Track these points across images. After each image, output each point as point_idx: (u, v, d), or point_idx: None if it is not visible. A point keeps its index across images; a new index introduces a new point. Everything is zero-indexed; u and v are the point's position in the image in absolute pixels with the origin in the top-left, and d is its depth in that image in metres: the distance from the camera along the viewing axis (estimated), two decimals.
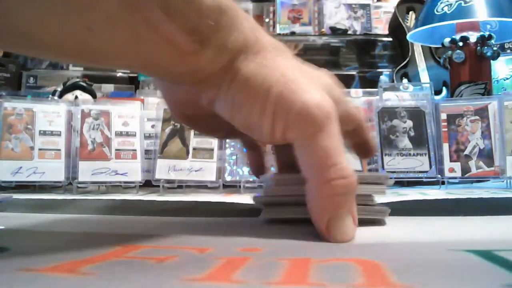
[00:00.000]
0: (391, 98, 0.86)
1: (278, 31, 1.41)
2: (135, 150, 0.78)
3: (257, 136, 0.29)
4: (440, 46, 0.99)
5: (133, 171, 0.75)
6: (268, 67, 0.27)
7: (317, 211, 0.27)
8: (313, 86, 0.28)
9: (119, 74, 1.23)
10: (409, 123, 0.76)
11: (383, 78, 1.33)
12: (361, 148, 0.36)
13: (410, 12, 1.33)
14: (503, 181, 0.71)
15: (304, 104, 0.26)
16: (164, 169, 0.77)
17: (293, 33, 1.39)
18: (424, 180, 0.72)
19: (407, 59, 1.27)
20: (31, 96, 0.86)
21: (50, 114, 0.72)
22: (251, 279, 0.18)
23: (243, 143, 0.39)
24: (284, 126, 0.27)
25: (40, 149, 0.70)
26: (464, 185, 0.74)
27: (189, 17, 0.24)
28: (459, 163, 0.72)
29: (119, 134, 0.79)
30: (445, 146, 0.73)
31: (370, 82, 1.32)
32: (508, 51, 1.16)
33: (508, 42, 1.15)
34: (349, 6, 1.44)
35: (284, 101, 0.26)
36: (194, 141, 0.78)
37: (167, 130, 0.82)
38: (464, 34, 0.90)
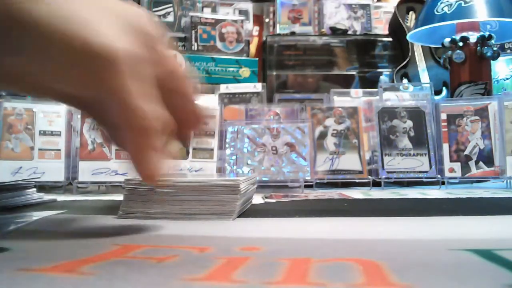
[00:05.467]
0: (391, 98, 0.86)
1: (278, 31, 1.41)
2: None
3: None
4: (440, 46, 0.98)
5: (133, 171, 0.74)
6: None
7: (131, 153, 0.27)
8: (108, 24, 0.24)
9: None
10: (409, 123, 0.76)
11: (383, 78, 1.32)
12: (183, 119, 0.30)
13: (410, 12, 1.33)
14: (503, 181, 0.71)
15: (85, 42, 0.23)
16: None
17: (293, 33, 1.38)
18: (424, 180, 0.72)
19: (407, 59, 1.27)
20: (31, 96, 0.85)
21: (50, 114, 0.72)
22: (251, 279, 0.18)
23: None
24: (69, 66, 0.24)
25: (40, 149, 0.70)
26: (464, 185, 0.74)
27: None
28: (459, 163, 0.72)
29: None
30: (445, 146, 0.73)
31: (370, 82, 1.31)
32: (508, 51, 1.16)
33: (508, 42, 1.15)
34: (349, 6, 1.44)
35: (67, 39, 0.23)
36: (194, 141, 0.78)
37: None
38: (464, 34, 0.90)
